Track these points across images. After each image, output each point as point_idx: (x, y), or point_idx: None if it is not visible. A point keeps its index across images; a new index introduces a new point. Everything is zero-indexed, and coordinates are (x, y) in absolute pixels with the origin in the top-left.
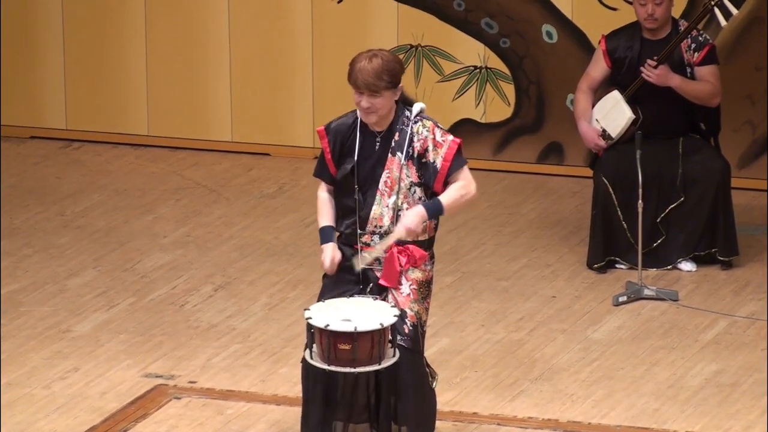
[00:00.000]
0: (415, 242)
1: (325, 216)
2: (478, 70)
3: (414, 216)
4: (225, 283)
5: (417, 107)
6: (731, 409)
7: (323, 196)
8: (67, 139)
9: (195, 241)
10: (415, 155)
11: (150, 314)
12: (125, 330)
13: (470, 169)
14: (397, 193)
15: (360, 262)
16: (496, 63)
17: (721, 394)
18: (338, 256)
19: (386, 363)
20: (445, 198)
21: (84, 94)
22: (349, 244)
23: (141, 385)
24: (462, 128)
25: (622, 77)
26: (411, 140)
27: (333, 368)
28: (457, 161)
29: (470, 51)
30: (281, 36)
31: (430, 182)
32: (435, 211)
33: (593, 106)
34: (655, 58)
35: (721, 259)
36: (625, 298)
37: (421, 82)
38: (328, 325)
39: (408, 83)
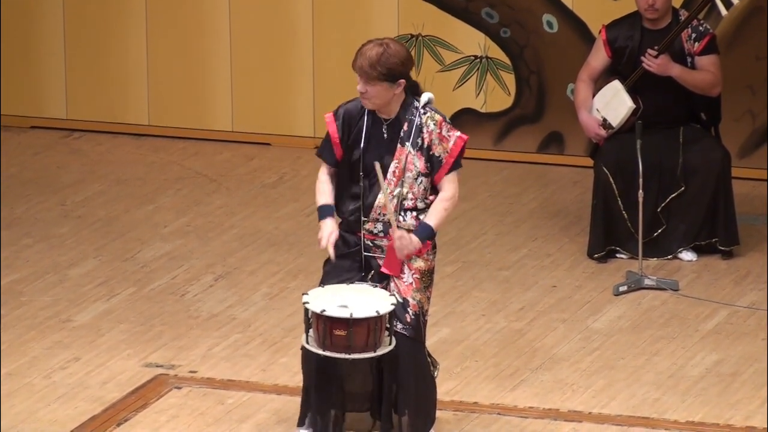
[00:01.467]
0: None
1: (324, 195)
2: (478, 59)
3: (411, 241)
4: (225, 273)
5: (425, 97)
6: (732, 399)
7: (323, 177)
8: (68, 128)
9: (195, 231)
10: (424, 146)
11: (150, 304)
12: (126, 320)
13: (471, 158)
14: (402, 183)
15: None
16: (496, 53)
17: (722, 383)
18: (336, 233)
19: (381, 351)
20: (433, 219)
21: (84, 84)
22: (352, 231)
23: (141, 375)
24: (462, 118)
25: (622, 67)
26: (420, 131)
27: (328, 354)
28: (458, 160)
29: (471, 41)
30: (282, 26)
31: (433, 174)
32: (427, 236)
33: (594, 96)
34: (656, 47)
35: (722, 248)
36: (625, 288)
37: (422, 71)
38: (324, 311)
39: None
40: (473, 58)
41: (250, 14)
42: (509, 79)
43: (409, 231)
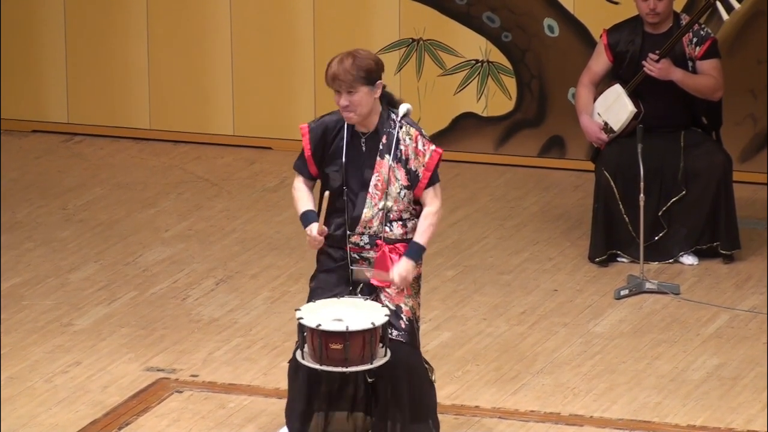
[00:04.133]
0: (404, 240)
1: (304, 201)
2: (479, 63)
3: (406, 266)
4: (227, 277)
5: (403, 108)
6: (733, 403)
7: (300, 186)
8: (69, 132)
9: (197, 235)
10: (403, 159)
11: (152, 308)
12: (127, 324)
13: (472, 162)
14: (387, 197)
15: (357, 275)
16: (497, 57)
17: (723, 387)
18: (324, 231)
19: (378, 362)
20: (422, 237)
21: (86, 88)
22: (338, 246)
23: (143, 379)
24: (464, 122)
25: (623, 71)
26: (398, 144)
27: (325, 368)
28: (435, 174)
29: (472, 45)
30: (283, 30)
31: (413, 188)
32: (419, 255)
33: (595, 100)
34: (657, 52)
35: (723, 252)
36: (626, 292)
37: (423, 76)
38: (319, 325)
39: (410, 77)
40: (474, 62)
41: (252, 18)
42: (510, 83)
43: (396, 241)
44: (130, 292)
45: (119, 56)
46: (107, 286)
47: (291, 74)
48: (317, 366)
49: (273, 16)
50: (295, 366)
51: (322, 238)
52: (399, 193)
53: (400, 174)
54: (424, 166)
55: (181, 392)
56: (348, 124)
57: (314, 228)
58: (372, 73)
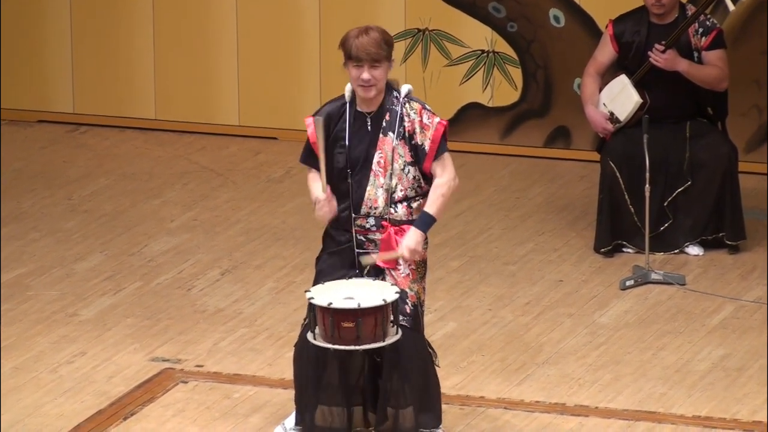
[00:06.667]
0: (410, 222)
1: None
2: (485, 54)
3: (415, 237)
4: (232, 267)
5: (405, 88)
6: (738, 394)
7: (314, 177)
8: (74, 123)
9: (202, 225)
10: (407, 135)
11: (157, 298)
12: (132, 314)
13: (477, 153)
14: (391, 175)
15: (364, 261)
16: (503, 47)
17: (728, 378)
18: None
19: (390, 340)
20: (432, 208)
21: (91, 78)
22: (344, 228)
23: (148, 369)
24: (469, 112)
25: (629, 62)
26: (402, 120)
27: (337, 347)
28: (442, 144)
29: (478, 35)
30: (289, 20)
31: (419, 163)
32: (429, 226)
33: (600, 91)
34: (663, 42)
35: (729, 243)
36: (632, 282)
37: (429, 66)
38: (331, 304)
39: (415, 67)
40: (480, 52)
41: (257, 8)
42: (516, 73)
43: (401, 223)
44: (135, 283)
45: (125, 46)
46: (112, 276)
47: (296, 64)
48: (329, 345)
49: (278, 6)
50: (300, 352)
51: (328, 201)
52: (403, 169)
53: (404, 150)
54: (429, 138)
55: (186, 382)
56: (350, 107)
57: (318, 189)
58: (392, 49)
